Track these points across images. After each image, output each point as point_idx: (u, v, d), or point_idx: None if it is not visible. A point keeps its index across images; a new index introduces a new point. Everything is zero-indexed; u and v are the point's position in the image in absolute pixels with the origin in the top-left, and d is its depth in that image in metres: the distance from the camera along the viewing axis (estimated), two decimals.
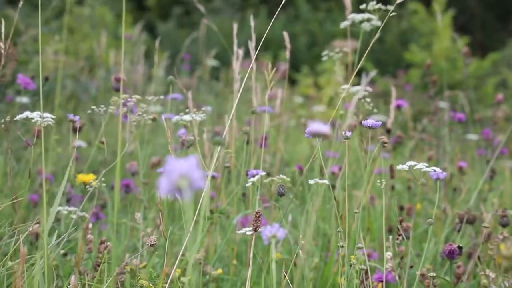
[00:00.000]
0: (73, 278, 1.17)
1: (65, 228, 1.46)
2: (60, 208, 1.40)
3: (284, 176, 1.25)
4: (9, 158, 1.41)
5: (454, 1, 6.68)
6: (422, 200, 2.12)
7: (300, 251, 1.22)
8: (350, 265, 1.18)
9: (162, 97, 1.45)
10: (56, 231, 1.24)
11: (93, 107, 1.33)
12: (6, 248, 1.33)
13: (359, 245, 1.18)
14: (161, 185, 0.58)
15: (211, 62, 4.20)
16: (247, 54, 1.86)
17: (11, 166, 1.44)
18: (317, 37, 8.12)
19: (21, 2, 1.41)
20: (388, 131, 1.89)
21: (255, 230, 1.09)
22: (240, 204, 1.69)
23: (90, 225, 1.33)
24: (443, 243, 1.70)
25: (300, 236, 1.23)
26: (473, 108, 3.56)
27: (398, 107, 2.29)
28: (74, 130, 1.64)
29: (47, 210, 1.05)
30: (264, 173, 1.25)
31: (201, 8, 2.11)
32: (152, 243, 1.16)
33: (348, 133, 1.23)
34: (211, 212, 1.48)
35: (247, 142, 1.59)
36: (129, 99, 1.33)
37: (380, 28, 1.45)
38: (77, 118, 1.40)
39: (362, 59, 1.36)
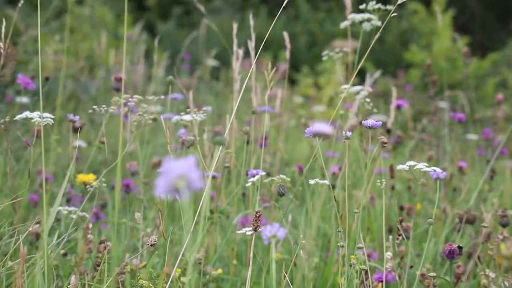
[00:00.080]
0: (73, 278, 1.17)
1: (65, 228, 1.46)
2: (60, 208, 1.40)
3: (284, 176, 1.25)
4: (9, 158, 1.41)
5: (454, 1, 6.68)
6: (422, 200, 2.12)
7: (301, 251, 1.22)
8: (350, 265, 1.18)
9: (162, 97, 1.45)
10: (57, 231, 1.24)
11: (95, 106, 1.33)
12: (6, 248, 1.33)
13: (359, 245, 1.18)
14: (158, 185, 0.58)
15: (211, 62, 4.20)
16: (247, 54, 1.86)
17: (11, 166, 1.44)
18: (317, 37, 8.12)
19: (21, 2, 1.42)
20: (388, 131, 1.89)
21: (255, 230, 1.09)
22: (240, 204, 1.69)
23: (90, 225, 1.33)
24: (443, 243, 1.70)
25: (301, 236, 1.23)
26: (473, 108, 3.56)
27: (398, 107, 2.29)
28: (74, 130, 1.64)
29: (47, 210, 1.05)
30: (264, 173, 1.25)
31: (201, 8, 2.11)
32: (153, 243, 1.16)
33: (349, 133, 1.23)
34: (211, 212, 1.48)
35: (247, 142, 1.59)
36: (130, 99, 1.33)
37: (381, 29, 1.45)
38: (77, 118, 1.40)
39: (363, 59, 1.36)
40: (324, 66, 5.42)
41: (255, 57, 1.37)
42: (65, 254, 1.34)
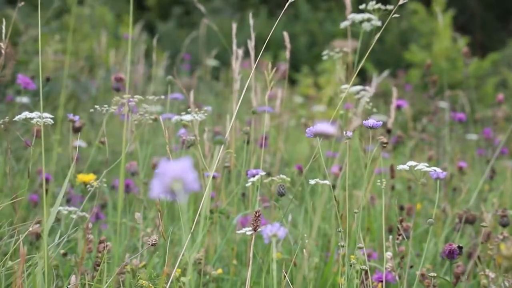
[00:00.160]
0: (73, 278, 1.17)
1: (65, 228, 1.46)
2: (60, 208, 1.40)
3: (284, 176, 1.25)
4: (8, 158, 1.41)
5: (454, 1, 6.68)
6: (422, 200, 2.12)
7: (301, 251, 1.22)
8: (350, 265, 1.18)
9: (162, 97, 1.45)
10: (59, 231, 1.24)
11: (96, 106, 1.33)
12: (6, 248, 1.33)
13: (359, 245, 1.18)
14: (153, 187, 0.57)
15: (211, 62, 4.20)
16: (247, 54, 1.86)
17: (11, 166, 1.44)
18: (317, 37, 8.12)
19: (22, 3, 1.41)
20: (389, 131, 1.89)
21: (255, 229, 1.09)
22: (240, 204, 1.69)
23: (90, 225, 1.33)
24: (443, 243, 1.70)
25: (305, 235, 1.23)
26: (473, 108, 3.56)
27: (398, 107, 2.29)
28: (74, 130, 1.64)
29: (47, 210, 1.05)
30: (264, 173, 1.25)
31: (201, 8, 2.11)
32: (153, 242, 1.16)
33: (349, 133, 1.23)
34: (211, 212, 1.48)
35: (247, 142, 1.59)
36: (131, 99, 1.33)
37: (382, 29, 1.45)
38: (77, 118, 1.40)
39: (363, 59, 1.36)
40: (324, 66, 5.42)
41: (255, 57, 1.37)
42: (65, 254, 1.34)
